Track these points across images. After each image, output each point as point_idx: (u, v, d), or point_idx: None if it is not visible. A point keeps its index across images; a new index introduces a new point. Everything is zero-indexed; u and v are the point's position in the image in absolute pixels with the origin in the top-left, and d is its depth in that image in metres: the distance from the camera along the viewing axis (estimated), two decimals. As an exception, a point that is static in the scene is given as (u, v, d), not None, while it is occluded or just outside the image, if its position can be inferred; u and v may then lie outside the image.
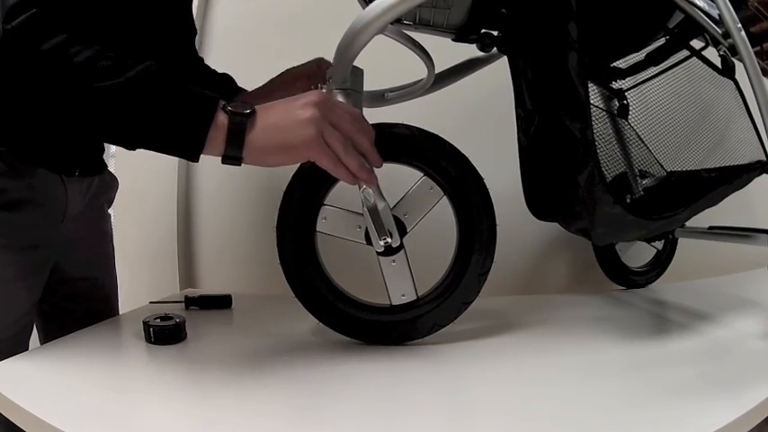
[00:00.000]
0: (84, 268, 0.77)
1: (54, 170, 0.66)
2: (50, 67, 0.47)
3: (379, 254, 0.61)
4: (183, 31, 0.85)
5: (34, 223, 0.64)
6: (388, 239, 0.57)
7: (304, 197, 0.62)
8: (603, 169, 0.60)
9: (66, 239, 0.71)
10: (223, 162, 0.50)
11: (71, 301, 0.76)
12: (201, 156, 0.50)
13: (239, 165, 0.51)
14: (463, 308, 0.63)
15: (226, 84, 0.87)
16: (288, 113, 0.50)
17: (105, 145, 0.78)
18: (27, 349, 0.66)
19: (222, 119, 0.49)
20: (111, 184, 0.81)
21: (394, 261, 0.61)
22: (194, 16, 0.91)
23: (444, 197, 0.64)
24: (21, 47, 0.46)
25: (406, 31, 0.65)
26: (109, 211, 0.84)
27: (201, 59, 0.91)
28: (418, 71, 0.72)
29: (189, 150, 0.49)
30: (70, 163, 0.68)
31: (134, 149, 0.52)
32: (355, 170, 0.52)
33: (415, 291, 0.63)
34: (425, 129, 0.63)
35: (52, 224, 0.68)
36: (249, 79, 1.11)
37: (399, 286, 0.61)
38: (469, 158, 0.64)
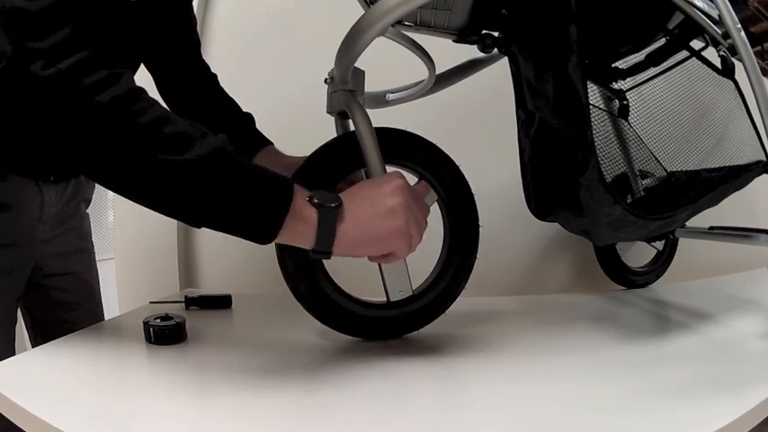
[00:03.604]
0: (64, 264, 0.80)
1: (28, 176, 0.67)
2: (111, 125, 0.43)
3: None
4: (184, 40, 0.84)
5: (14, 223, 0.67)
6: None
7: None
8: (603, 170, 0.60)
9: (45, 238, 0.74)
10: (311, 256, 0.49)
11: (54, 294, 0.80)
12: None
13: (328, 258, 0.50)
14: (451, 301, 0.67)
15: (244, 124, 0.83)
16: (375, 205, 0.50)
17: None
18: (14, 341, 0.69)
19: (310, 213, 0.47)
20: (86, 185, 0.82)
21: None
22: (194, 19, 0.88)
23: (437, 200, 0.66)
24: (71, 94, 0.42)
25: (406, 33, 0.65)
26: (87, 210, 0.86)
27: (215, 76, 0.87)
28: (419, 72, 0.72)
29: (262, 238, 0.47)
30: (44, 168, 0.70)
31: (198, 227, 0.48)
32: (414, 249, 0.54)
33: (411, 287, 0.64)
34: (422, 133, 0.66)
35: (31, 224, 0.70)
36: (249, 79, 1.11)
37: (397, 283, 0.63)
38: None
